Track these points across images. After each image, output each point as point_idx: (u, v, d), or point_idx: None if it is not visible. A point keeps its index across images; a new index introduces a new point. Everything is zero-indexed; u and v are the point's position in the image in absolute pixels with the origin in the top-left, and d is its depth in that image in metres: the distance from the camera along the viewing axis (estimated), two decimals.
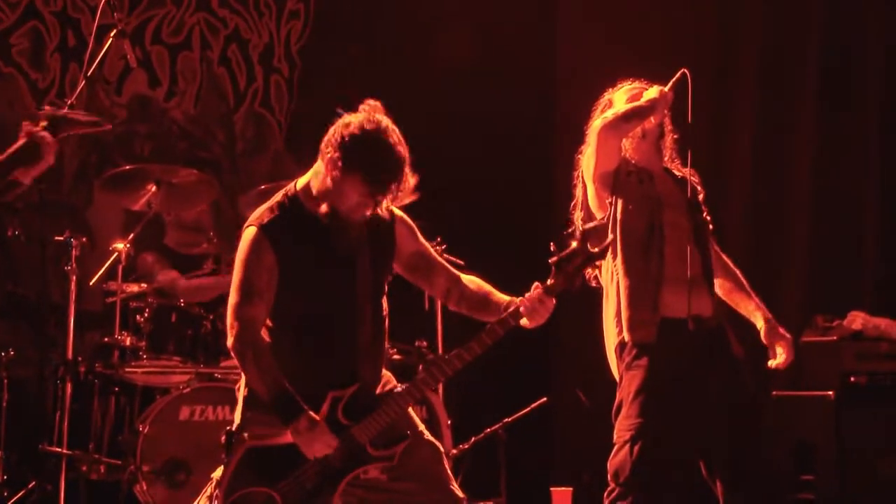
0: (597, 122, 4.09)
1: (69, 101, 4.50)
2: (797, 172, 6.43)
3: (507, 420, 5.80)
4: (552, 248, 3.58)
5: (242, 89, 7.10)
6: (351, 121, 3.45)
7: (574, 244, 3.56)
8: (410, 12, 7.00)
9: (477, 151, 6.84)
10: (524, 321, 3.55)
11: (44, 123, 3.11)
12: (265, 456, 3.44)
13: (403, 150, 3.44)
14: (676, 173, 4.22)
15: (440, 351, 5.96)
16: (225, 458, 3.44)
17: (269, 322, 3.51)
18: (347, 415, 3.47)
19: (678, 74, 4.04)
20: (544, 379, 6.77)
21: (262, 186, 5.41)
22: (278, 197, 3.57)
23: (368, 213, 3.52)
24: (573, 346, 6.34)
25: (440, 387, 5.51)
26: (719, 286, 4.15)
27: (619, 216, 4.03)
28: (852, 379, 5.34)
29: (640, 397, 3.92)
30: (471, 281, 3.71)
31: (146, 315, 5.46)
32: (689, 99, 3.99)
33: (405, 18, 7.05)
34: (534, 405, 5.84)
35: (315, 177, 3.54)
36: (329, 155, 3.44)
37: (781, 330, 4.12)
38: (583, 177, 4.19)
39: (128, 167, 5.72)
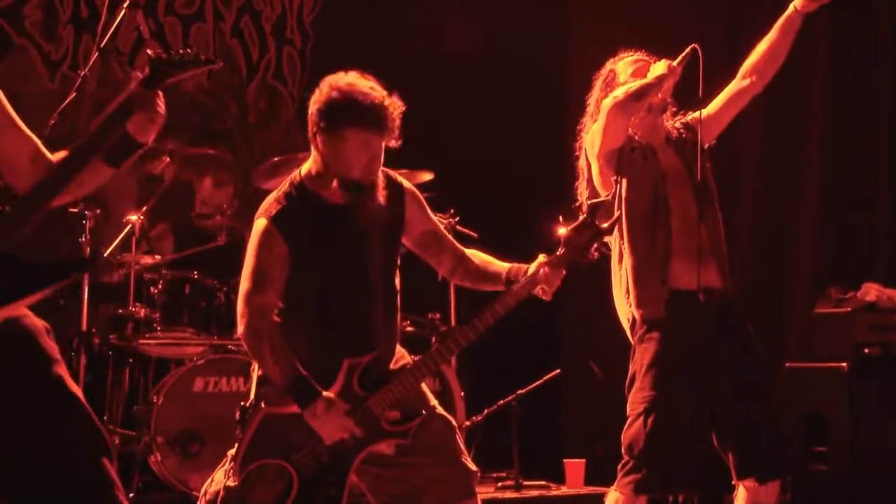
0: (606, 102, 4.04)
1: (82, 73, 4.52)
2: (808, 143, 6.40)
3: (520, 392, 5.81)
4: (560, 221, 3.60)
5: (255, 61, 7.09)
6: (316, 92, 3.50)
7: (582, 217, 3.57)
8: None
9: (489, 124, 6.84)
10: (536, 291, 3.57)
11: (147, 70, 2.95)
12: (281, 425, 3.45)
13: (376, 84, 3.47)
14: (676, 133, 4.18)
15: (453, 323, 5.97)
16: (239, 433, 3.45)
17: (280, 303, 3.52)
18: (363, 385, 3.48)
19: (688, 50, 4.01)
20: (557, 350, 6.78)
21: (275, 159, 5.41)
22: (285, 186, 3.59)
23: (379, 165, 3.52)
24: (585, 318, 6.35)
25: (453, 359, 5.52)
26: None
27: (624, 193, 4.01)
28: (866, 350, 5.34)
29: (652, 370, 3.92)
30: (473, 255, 3.75)
31: (160, 287, 5.47)
32: (701, 74, 3.96)
33: None
34: (547, 377, 5.85)
35: (314, 162, 3.56)
36: (315, 131, 3.48)
37: None
38: (587, 153, 4.18)
39: None
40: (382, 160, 3.53)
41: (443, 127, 6.53)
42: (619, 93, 4.02)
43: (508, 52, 6.94)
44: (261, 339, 3.41)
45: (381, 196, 3.55)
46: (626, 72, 4.16)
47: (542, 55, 6.99)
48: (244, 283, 3.48)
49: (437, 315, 5.95)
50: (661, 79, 4.00)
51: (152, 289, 5.50)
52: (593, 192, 4.13)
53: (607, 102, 4.03)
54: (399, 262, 3.67)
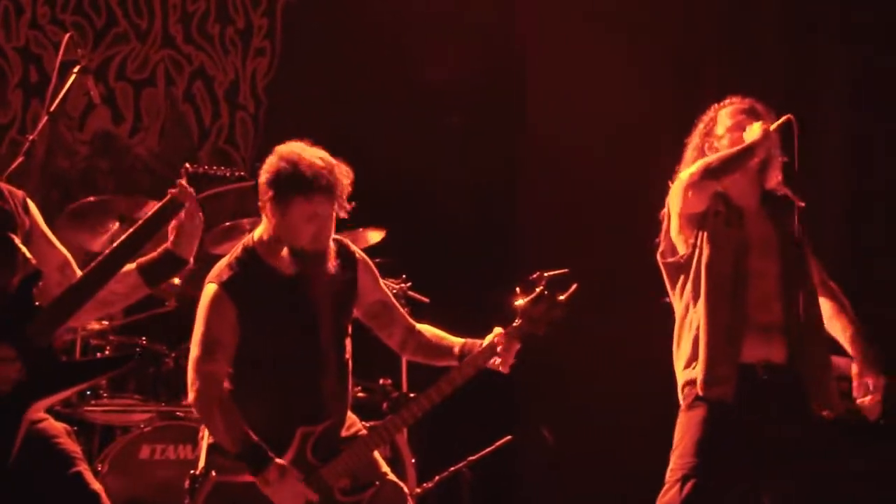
0: (684, 174, 3.90)
1: (30, 137, 4.48)
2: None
3: (471, 458, 5.77)
4: (517, 292, 3.60)
5: (207, 126, 7.08)
6: (266, 162, 3.55)
7: (539, 290, 3.58)
8: (377, 50, 7.02)
9: (441, 189, 6.86)
10: (492, 363, 3.56)
11: (182, 183, 3.11)
12: (231, 494, 3.42)
13: (324, 155, 3.51)
14: (779, 201, 4.03)
15: (405, 388, 5.93)
16: (189, 502, 3.40)
17: (230, 369, 3.50)
18: (316, 454, 3.46)
19: (783, 119, 3.90)
20: (509, 417, 6.75)
21: (226, 224, 5.38)
22: (237, 251, 3.59)
23: (331, 235, 3.52)
24: (538, 384, 6.33)
25: None
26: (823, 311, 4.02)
27: (704, 259, 3.88)
28: None
29: (697, 437, 3.80)
30: (425, 329, 3.74)
31: (107, 352, 5.40)
32: (796, 147, 3.85)
33: (372, 57, 7.06)
34: (498, 443, 5.82)
35: (266, 230, 3.57)
36: (264, 200, 3.50)
37: (874, 370, 3.95)
38: (669, 207, 4.02)
39: (92, 199, 5.65)
40: (333, 230, 3.52)
41: (394, 191, 6.54)
42: (697, 167, 3.87)
43: (463, 115, 6.98)
44: (211, 406, 3.39)
45: (333, 265, 3.55)
46: (724, 123, 4.01)
47: (498, 119, 7.03)
48: (194, 350, 3.46)
49: (389, 381, 5.90)
50: (754, 144, 3.86)
51: (98, 355, 5.43)
52: (669, 246, 4.00)
53: (684, 175, 3.91)
54: (350, 330, 3.66)
